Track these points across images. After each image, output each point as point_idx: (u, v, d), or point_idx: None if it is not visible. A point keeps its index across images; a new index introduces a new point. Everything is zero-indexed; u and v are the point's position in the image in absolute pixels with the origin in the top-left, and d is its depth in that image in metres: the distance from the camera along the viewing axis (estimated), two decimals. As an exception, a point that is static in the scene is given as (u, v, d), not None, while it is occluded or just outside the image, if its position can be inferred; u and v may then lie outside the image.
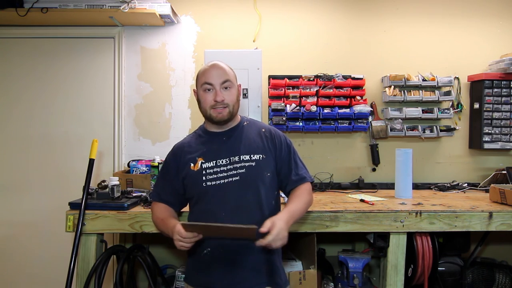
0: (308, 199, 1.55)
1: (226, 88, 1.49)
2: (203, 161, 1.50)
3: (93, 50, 2.70)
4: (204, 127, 1.61)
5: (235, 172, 1.47)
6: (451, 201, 2.18)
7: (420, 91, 2.66)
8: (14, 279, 2.70)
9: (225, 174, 1.47)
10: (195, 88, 1.56)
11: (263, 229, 1.30)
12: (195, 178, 1.49)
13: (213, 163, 1.49)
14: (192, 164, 1.51)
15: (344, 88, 2.60)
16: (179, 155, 1.56)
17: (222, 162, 1.49)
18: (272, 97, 2.60)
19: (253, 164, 1.49)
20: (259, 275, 1.46)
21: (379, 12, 2.75)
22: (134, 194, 2.05)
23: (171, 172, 1.57)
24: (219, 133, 1.55)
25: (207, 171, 1.48)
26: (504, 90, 2.65)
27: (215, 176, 1.47)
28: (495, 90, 2.65)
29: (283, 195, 1.76)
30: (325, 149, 2.74)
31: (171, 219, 1.49)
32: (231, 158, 1.49)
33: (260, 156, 1.51)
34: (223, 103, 1.48)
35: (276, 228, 1.30)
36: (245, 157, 1.49)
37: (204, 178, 1.48)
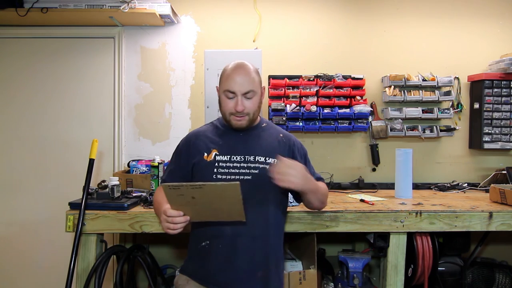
0: (326, 191, 1.60)
1: (248, 98, 1.47)
2: (217, 153, 1.50)
3: (93, 50, 2.70)
4: (222, 120, 1.60)
5: (248, 171, 1.47)
6: (451, 201, 2.18)
7: (420, 91, 2.66)
8: (14, 279, 2.70)
9: (238, 171, 1.47)
10: (218, 86, 1.55)
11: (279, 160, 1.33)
12: (206, 168, 1.48)
13: (227, 157, 1.49)
14: (205, 154, 1.50)
15: (344, 88, 2.60)
16: (193, 141, 1.56)
17: (236, 158, 1.49)
18: (272, 97, 2.59)
19: (267, 167, 1.48)
20: (254, 279, 1.45)
21: (379, 12, 2.75)
22: (134, 194, 2.05)
23: (181, 158, 1.57)
24: (237, 129, 1.54)
25: (220, 164, 1.48)
26: (504, 90, 2.65)
27: (227, 171, 1.47)
28: (495, 90, 2.65)
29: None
30: (325, 149, 2.74)
31: (166, 203, 1.43)
32: (246, 156, 1.49)
33: (275, 160, 1.50)
34: (243, 112, 1.47)
35: (292, 162, 1.34)
36: (260, 159, 1.49)
37: (215, 170, 1.47)
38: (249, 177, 1.46)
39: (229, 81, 1.47)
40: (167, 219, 1.32)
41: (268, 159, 1.50)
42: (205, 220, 1.40)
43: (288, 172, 1.32)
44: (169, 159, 1.67)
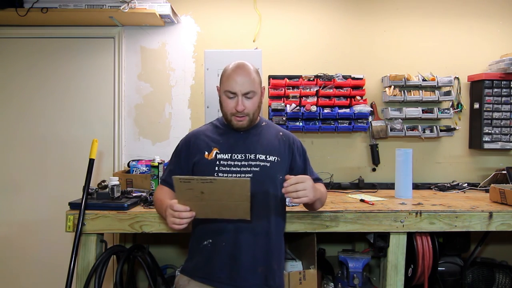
0: (326, 193, 1.61)
1: (248, 98, 1.49)
2: (218, 152, 1.51)
3: (93, 50, 2.70)
4: (222, 120, 1.62)
5: (249, 169, 1.48)
6: (451, 201, 2.18)
7: (420, 91, 2.66)
8: (14, 279, 2.70)
9: (239, 169, 1.48)
10: (218, 86, 1.56)
11: (288, 183, 1.34)
12: (207, 167, 1.49)
13: (228, 155, 1.50)
14: (206, 152, 1.52)
15: (344, 88, 2.60)
16: (193, 141, 1.57)
17: (237, 156, 1.50)
18: (272, 97, 2.59)
19: (268, 164, 1.50)
20: (255, 275, 1.46)
21: (379, 12, 2.75)
22: (134, 194, 2.05)
23: (181, 158, 1.58)
24: (237, 129, 1.56)
25: (221, 162, 1.49)
26: (504, 90, 2.65)
27: (229, 169, 1.48)
28: (495, 90, 2.65)
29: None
30: (325, 149, 2.74)
31: (168, 200, 1.45)
32: (247, 155, 1.51)
33: (275, 158, 1.52)
34: (244, 112, 1.49)
35: (300, 178, 1.35)
36: (261, 157, 1.51)
37: (217, 168, 1.48)
38: (250, 175, 1.47)
39: (229, 81, 1.48)
40: (174, 214, 1.32)
41: (269, 157, 1.51)
42: (210, 217, 1.40)
43: (300, 188, 1.35)
44: (169, 159, 1.67)
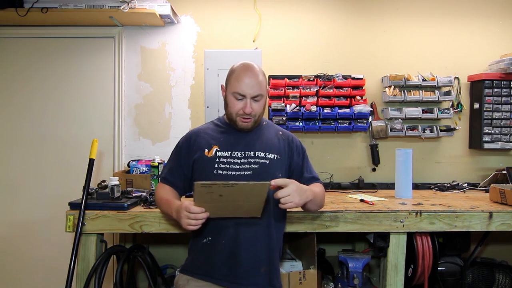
0: (323, 193, 1.59)
1: (256, 100, 1.50)
2: (218, 149, 1.52)
3: (93, 50, 2.70)
4: (223, 119, 1.64)
5: (248, 166, 1.49)
6: (451, 201, 2.18)
7: (420, 91, 2.66)
8: (14, 279, 2.70)
9: (238, 167, 1.49)
10: (223, 85, 1.57)
11: (275, 183, 1.34)
12: (207, 164, 1.50)
13: (228, 153, 1.51)
14: (206, 150, 1.53)
15: (344, 88, 2.60)
16: (193, 139, 1.58)
17: (237, 154, 1.51)
18: (272, 97, 2.59)
19: (267, 162, 1.51)
20: (257, 274, 1.46)
21: (379, 12, 2.75)
22: (134, 194, 2.05)
23: (182, 155, 1.59)
24: (241, 129, 1.57)
25: (221, 159, 1.50)
26: (504, 90, 2.65)
27: (228, 166, 1.49)
28: (495, 90, 2.65)
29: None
30: (325, 149, 2.74)
31: (176, 200, 1.49)
32: (247, 152, 1.52)
33: (275, 156, 1.54)
34: (251, 115, 1.50)
35: (283, 181, 1.35)
36: (260, 154, 1.52)
37: (216, 165, 1.49)
38: (249, 172, 1.48)
39: (239, 83, 1.48)
40: (189, 216, 1.33)
41: (268, 154, 1.52)
42: (223, 216, 1.42)
43: (280, 196, 1.34)
44: (169, 157, 1.68)
